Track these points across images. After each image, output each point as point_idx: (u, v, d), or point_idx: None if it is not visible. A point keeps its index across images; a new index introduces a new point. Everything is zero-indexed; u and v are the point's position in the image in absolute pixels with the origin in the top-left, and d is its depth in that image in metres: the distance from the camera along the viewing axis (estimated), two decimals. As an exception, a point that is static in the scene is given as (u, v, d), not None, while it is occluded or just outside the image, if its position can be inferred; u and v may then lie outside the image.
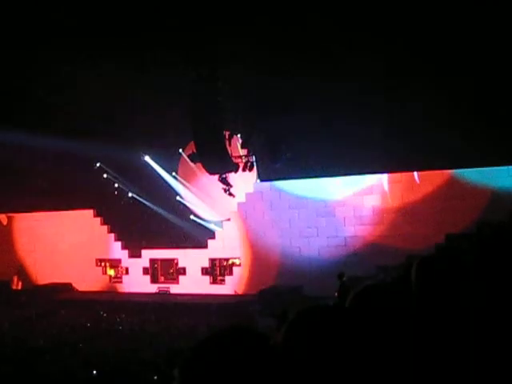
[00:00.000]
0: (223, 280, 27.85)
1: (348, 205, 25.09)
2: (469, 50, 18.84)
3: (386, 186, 24.62)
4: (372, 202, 24.71)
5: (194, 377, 1.82)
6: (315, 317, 2.06)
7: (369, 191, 24.84)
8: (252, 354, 1.82)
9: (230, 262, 27.87)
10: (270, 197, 26.65)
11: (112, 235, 30.53)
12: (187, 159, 26.69)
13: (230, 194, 26.06)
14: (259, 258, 26.28)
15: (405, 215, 24.03)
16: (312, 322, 2.04)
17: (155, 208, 30.50)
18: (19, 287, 31.00)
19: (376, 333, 2.15)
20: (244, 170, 25.06)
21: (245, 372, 1.79)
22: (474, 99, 20.34)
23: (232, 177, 25.51)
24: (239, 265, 27.41)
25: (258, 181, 27.32)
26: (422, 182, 24.00)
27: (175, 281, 28.74)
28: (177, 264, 28.80)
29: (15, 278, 31.58)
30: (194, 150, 24.09)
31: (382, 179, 24.65)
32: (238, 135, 25.32)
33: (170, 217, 30.07)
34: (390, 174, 24.43)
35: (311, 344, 1.98)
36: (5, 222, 32.56)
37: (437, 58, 19.56)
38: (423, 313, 2.28)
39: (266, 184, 26.93)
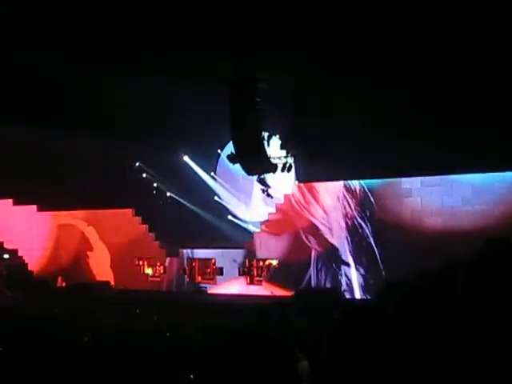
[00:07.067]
0: (260, 281, 27.87)
1: (387, 208, 24.91)
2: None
3: (423, 189, 24.38)
4: (411, 206, 24.49)
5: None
6: (360, 318, 2.09)
7: (407, 194, 24.63)
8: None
9: (267, 262, 27.86)
10: (308, 197, 26.56)
11: (151, 234, 30.74)
12: (226, 160, 26.77)
13: (269, 195, 26.06)
14: (296, 259, 26.19)
15: (443, 219, 23.77)
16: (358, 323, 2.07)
17: (193, 208, 30.65)
18: (63, 285, 31.28)
19: (416, 337, 2.13)
20: (282, 170, 25.03)
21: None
22: None
23: (270, 177, 25.51)
24: (276, 265, 27.39)
25: (297, 182, 27.25)
26: (460, 185, 23.68)
27: (212, 280, 28.83)
28: (214, 264, 28.89)
29: (59, 277, 31.90)
30: (233, 151, 24.14)
31: (420, 182, 24.41)
32: (277, 136, 25.29)
33: (208, 217, 30.17)
34: (427, 177, 24.17)
35: (358, 343, 2.00)
36: (47, 220, 32.93)
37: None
38: (471, 315, 2.24)
39: (305, 185, 26.83)
